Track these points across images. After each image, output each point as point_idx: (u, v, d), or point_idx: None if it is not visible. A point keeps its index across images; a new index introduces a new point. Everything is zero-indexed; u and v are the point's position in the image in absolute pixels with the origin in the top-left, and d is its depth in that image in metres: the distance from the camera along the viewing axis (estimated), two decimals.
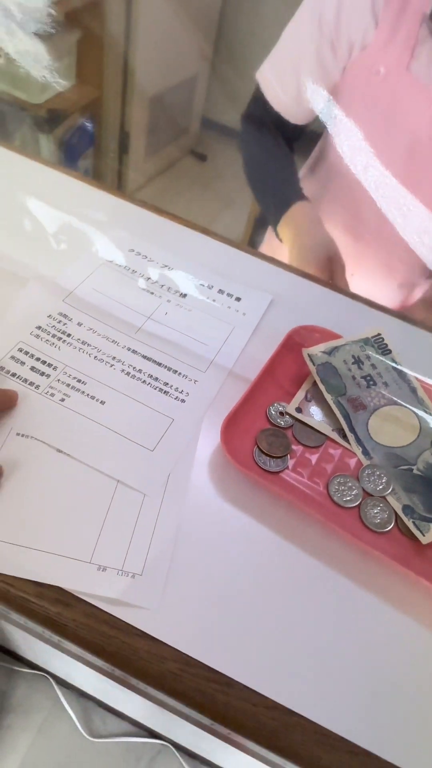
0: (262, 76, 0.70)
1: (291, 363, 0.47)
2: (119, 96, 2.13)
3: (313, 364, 0.46)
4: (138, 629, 0.32)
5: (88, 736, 1.10)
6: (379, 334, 0.49)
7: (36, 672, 1.15)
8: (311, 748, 0.30)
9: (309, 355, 0.46)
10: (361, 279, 0.76)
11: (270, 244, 0.82)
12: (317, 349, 0.47)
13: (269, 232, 0.82)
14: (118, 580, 0.34)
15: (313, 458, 0.42)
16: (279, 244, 0.70)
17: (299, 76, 0.66)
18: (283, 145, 0.72)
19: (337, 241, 0.66)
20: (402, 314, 0.54)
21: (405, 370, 0.47)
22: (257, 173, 0.75)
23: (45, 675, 1.15)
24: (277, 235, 0.70)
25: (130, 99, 2.14)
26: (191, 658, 0.32)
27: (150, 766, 1.12)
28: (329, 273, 0.62)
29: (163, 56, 2.17)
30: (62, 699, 1.12)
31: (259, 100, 0.71)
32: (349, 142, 0.68)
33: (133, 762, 1.12)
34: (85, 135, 2.12)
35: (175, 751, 1.11)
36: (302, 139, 0.76)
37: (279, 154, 0.74)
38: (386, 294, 0.78)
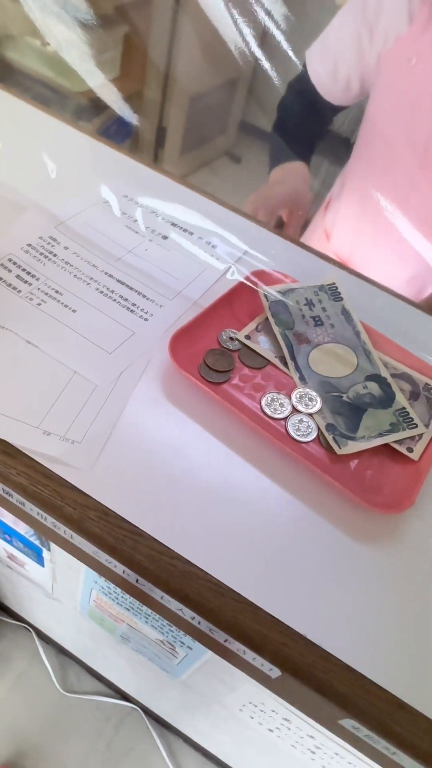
0: (309, 52, 0.76)
1: (249, 299, 0.52)
2: (160, 92, 2.21)
3: (267, 301, 0.51)
4: (68, 482, 0.37)
5: (61, 690, 1.15)
6: (333, 283, 0.54)
7: (19, 624, 1.20)
8: (203, 593, 0.35)
9: (264, 293, 0.51)
10: (371, 268, 0.78)
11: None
12: (273, 289, 0.52)
13: None
14: (60, 444, 0.39)
15: (254, 377, 0.47)
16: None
17: (338, 55, 0.72)
18: (314, 118, 0.78)
19: (352, 225, 0.69)
20: (357, 272, 0.59)
21: (352, 315, 0.52)
22: (285, 122, 0.80)
23: (27, 627, 1.20)
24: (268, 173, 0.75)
25: (170, 96, 2.22)
26: (110, 510, 0.37)
27: (118, 726, 1.16)
28: (286, 214, 0.65)
29: (206, 57, 2.23)
30: (41, 652, 1.17)
31: (303, 75, 0.77)
32: (375, 126, 0.72)
33: (102, 720, 1.16)
34: (123, 126, 2.20)
35: (143, 715, 1.14)
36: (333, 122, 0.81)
37: (309, 119, 0.78)
38: (396, 286, 0.80)
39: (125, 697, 1.16)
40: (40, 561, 0.65)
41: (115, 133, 2.16)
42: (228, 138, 2.72)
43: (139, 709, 1.15)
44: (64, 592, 0.73)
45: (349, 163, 0.81)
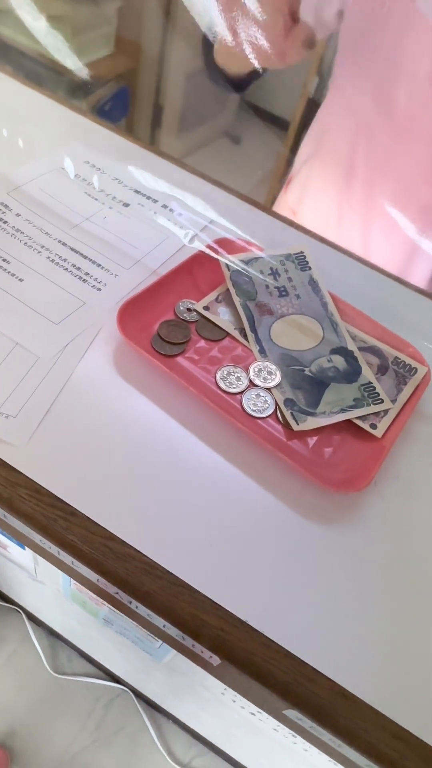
0: None
1: (210, 269, 0.49)
2: (155, 69, 2.15)
3: (229, 270, 0.48)
4: None
5: (52, 672, 1.15)
6: (301, 252, 0.51)
7: (8, 605, 1.20)
8: (138, 575, 0.33)
9: (226, 263, 0.48)
10: (381, 197, 0.70)
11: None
12: (236, 257, 0.49)
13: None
14: None
15: (211, 350, 0.44)
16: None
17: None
18: None
19: (321, 202, 0.63)
20: (329, 241, 0.56)
21: (320, 285, 0.49)
22: None
23: (17, 609, 1.20)
24: None
25: (166, 73, 2.16)
26: (43, 488, 0.35)
27: (107, 707, 1.16)
28: None
29: (203, 32, 2.16)
30: (32, 634, 1.17)
31: None
32: (343, 92, 0.67)
33: (91, 701, 1.16)
34: (118, 104, 2.15)
35: (132, 696, 1.14)
36: None
37: None
38: (407, 215, 0.71)
39: (115, 678, 1.16)
40: (20, 543, 0.63)
41: (110, 111, 2.11)
42: (227, 117, 2.65)
43: (129, 690, 1.15)
44: (46, 574, 0.71)
45: (312, 132, 0.75)
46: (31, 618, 1.19)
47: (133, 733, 1.13)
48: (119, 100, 2.16)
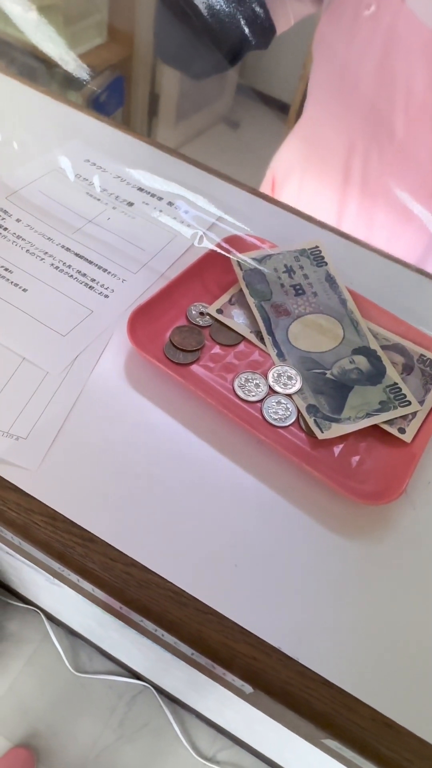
0: None
1: (221, 269, 0.47)
2: (150, 56, 2.11)
3: (241, 270, 0.46)
4: (11, 483, 0.33)
5: (73, 670, 1.15)
6: (316, 246, 0.48)
7: (28, 606, 1.20)
8: (162, 603, 0.31)
9: (238, 261, 0.46)
10: (384, 205, 0.68)
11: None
12: (248, 256, 0.46)
13: None
14: (2, 440, 0.35)
15: (226, 356, 0.42)
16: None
17: None
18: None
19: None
20: (345, 233, 0.53)
21: (337, 281, 0.46)
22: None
23: (36, 610, 1.20)
24: None
25: (161, 60, 2.11)
26: (58, 513, 0.33)
27: (130, 704, 1.16)
28: None
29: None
30: (51, 633, 1.17)
31: None
32: (331, 107, 0.63)
33: (114, 698, 1.16)
34: (114, 94, 2.10)
35: (154, 692, 1.14)
36: None
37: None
38: (419, 204, 0.68)
39: (136, 675, 1.16)
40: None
41: (106, 102, 2.07)
42: (224, 103, 2.60)
43: (150, 687, 1.15)
44: None
45: (295, 139, 0.72)
46: (51, 618, 1.19)
47: (157, 728, 1.14)
48: (115, 90, 2.12)
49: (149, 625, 0.32)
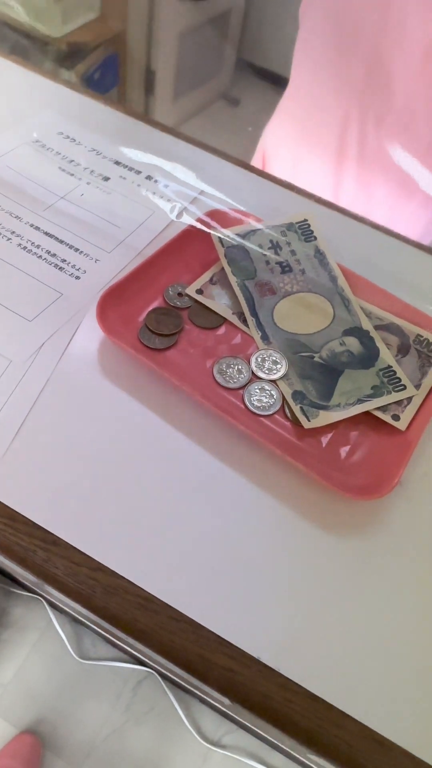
0: None
1: (202, 246, 0.43)
2: (145, 31, 2.04)
3: (222, 246, 0.42)
4: None
5: (77, 657, 1.15)
6: (304, 220, 0.44)
7: (31, 594, 1.19)
8: (131, 611, 0.29)
9: (219, 237, 0.43)
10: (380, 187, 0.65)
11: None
12: (230, 231, 0.43)
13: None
14: None
15: (206, 340, 0.39)
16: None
17: None
18: None
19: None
20: (336, 205, 0.49)
21: (328, 257, 0.43)
22: None
23: (39, 598, 1.19)
24: None
25: (156, 35, 2.04)
26: (18, 514, 0.30)
27: (135, 689, 1.16)
28: None
29: None
30: (54, 621, 1.17)
31: None
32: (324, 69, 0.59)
33: (119, 684, 1.16)
34: (108, 72, 2.04)
35: (159, 679, 1.14)
36: None
37: None
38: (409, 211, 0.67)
39: (140, 661, 1.15)
40: None
41: (100, 80, 2.01)
42: (223, 79, 2.53)
43: (155, 672, 1.14)
44: None
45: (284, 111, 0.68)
46: (53, 606, 1.19)
47: (163, 713, 1.14)
48: (109, 67, 2.06)
49: (120, 632, 0.30)
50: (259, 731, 1.06)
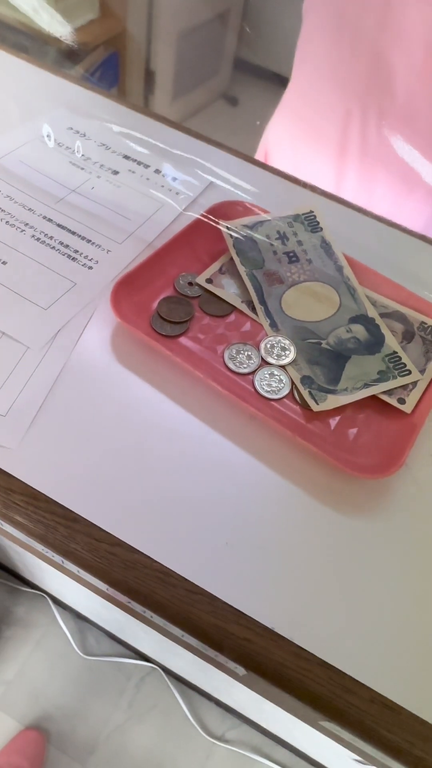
0: None
1: (211, 237, 0.44)
2: (145, 30, 2.05)
3: (231, 237, 0.43)
4: None
5: (81, 653, 1.15)
6: (311, 211, 0.46)
7: (35, 591, 1.20)
8: (150, 584, 0.30)
9: (228, 228, 0.44)
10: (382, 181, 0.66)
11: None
12: (238, 222, 0.44)
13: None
14: None
15: (217, 327, 0.40)
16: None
17: None
18: None
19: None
20: (341, 198, 0.50)
21: (333, 248, 0.44)
22: None
23: (43, 594, 1.20)
24: None
25: (156, 35, 2.05)
26: (40, 493, 0.31)
27: (139, 685, 1.16)
28: None
29: None
30: (58, 617, 1.17)
31: None
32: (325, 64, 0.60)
33: (123, 680, 1.16)
34: (108, 72, 2.05)
35: (162, 674, 1.15)
36: None
37: None
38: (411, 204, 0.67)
39: (144, 657, 1.16)
40: None
41: (100, 80, 2.01)
42: (222, 78, 2.54)
43: (158, 668, 1.15)
44: None
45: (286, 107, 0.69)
46: (57, 602, 1.19)
47: (166, 709, 1.14)
48: (109, 67, 2.06)
49: (137, 606, 0.31)
50: (264, 727, 1.07)
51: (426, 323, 0.41)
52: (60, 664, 1.17)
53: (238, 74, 2.57)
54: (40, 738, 1.06)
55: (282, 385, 0.38)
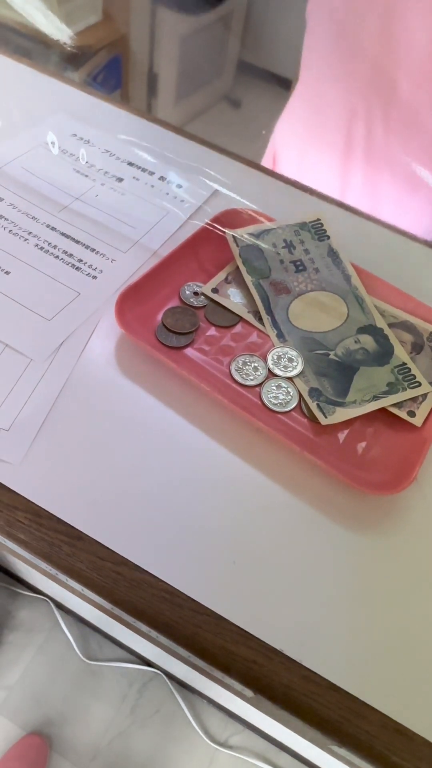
0: None
1: (217, 245, 0.44)
2: (147, 33, 2.05)
3: (237, 246, 0.43)
4: None
5: (83, 658, 1.14)
6: (318, 219, 0.45)
7: (37, 595, 1.19)
8: (155, 604, 0.29)
9: (233, 237, 0.43)
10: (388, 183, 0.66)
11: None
12: (244, 231, 0.44)
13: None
14: None
15: (222, 338, 0.40)
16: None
17: None
18: None
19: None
20: (348, 205, 0.50)
21: (341, 256, 0.43)
22: None
23: (45, 599, 1.19)
24: None
25: (159, 38, 2.05)
26: (43, 510, 0.31)
27: (141, 690, 1.15)
28: None
29: None
30: (60, 622, 1.17)
31: None
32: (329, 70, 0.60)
33: (125, 685, 1.16)
34: (110, 76, 2.05)
35: (166, 679, 1.14)
36: None
37: None
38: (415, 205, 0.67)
39: (147, 662, 1.15)
40: None
41: (103, 83, 2.01)
42: (225, 81, 2.53)
43: (161, 673, 1.14)
44: None
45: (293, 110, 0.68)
46: (60, 606, 1.19)
47: (169, 714, 1.13)
48: (112, 70, 2.06)
49: (143, 626, 0.30)
50: (267, 732, 1.07)
51: None
52: (62, 669, 1.17)
53: (240, 76, 2.56)
54: (43, 744, 1.05)
55: (289, 397, 0.37)
